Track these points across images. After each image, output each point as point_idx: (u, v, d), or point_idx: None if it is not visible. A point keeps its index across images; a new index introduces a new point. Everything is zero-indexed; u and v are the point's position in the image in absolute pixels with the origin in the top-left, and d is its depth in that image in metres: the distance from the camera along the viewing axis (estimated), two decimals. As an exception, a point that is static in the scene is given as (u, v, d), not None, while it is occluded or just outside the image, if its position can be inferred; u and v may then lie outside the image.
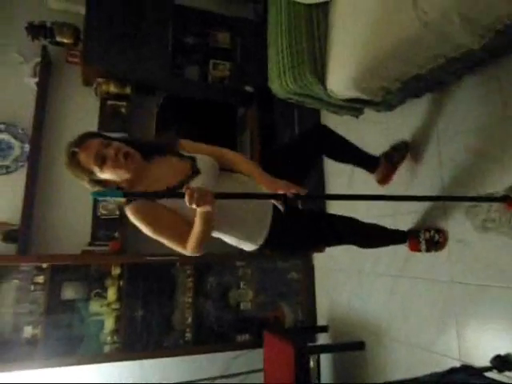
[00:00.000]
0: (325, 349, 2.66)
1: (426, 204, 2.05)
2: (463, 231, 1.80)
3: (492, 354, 1.59)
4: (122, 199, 1.27)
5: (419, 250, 1.99)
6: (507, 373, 1.52)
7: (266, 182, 1.40)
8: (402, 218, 2.18)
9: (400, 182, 2.17)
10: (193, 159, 1.42)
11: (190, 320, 2.93)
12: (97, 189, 1.31)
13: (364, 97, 1.95)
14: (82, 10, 2.91)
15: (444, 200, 1.93)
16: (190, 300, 2.97)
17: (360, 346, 2.49)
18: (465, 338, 1.78)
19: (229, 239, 1.56)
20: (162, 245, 3.10)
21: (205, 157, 1.45)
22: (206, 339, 2.91)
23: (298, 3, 2.05)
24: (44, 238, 2.80)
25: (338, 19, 1.90)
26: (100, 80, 2.89)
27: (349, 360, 2.58)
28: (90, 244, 2.79)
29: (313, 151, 1.84)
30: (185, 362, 2.90)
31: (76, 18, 2.98)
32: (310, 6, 2.04)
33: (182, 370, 2.90)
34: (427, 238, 1.93)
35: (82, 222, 2.86)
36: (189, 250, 1.33)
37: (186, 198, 1.07)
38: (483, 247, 1.70)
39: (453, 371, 1.44)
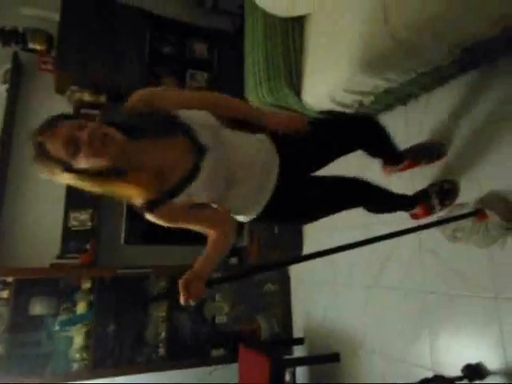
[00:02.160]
0: (300, 361, 2.64)
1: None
2: (435, 241, 1.83)
3: (463, 363, 1.61)
4: None
5: (432, 211, 1.80)
6: (478, 381, 1.54)
7: (269, 118, 1.27)
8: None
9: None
10: (189, 131, 1.12)
11: (163, 334, 2.86)
12: (76, 180, 1.03)
13: (338, 109, 1.99)
14: (56, 17, 2.85)
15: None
16: (163, 314, 2.89)
17: (335, 357, 2.48)
18: (437, 347, 1.80)
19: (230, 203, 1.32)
20: (135, 257, 3.03)
21: (200, 119, 1.16)
22: (180, 354, 2.84)
23: (274, 16, 2.08)
24: (10, 250, 2.68)
25: (313, 34, 1.95)
26: (74, 88, 2.83)
27: (324, 372, 2.57)
28: (60, 257, 2.68)
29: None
30: (158, 378, 2.81)
31: (49, 25, 2.92)
32: (285, 19, 2.07)
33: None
34: (436, 190, 1.78)
35: (52, 233, 2.75)
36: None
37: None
38: (454, 257, 1.74)
39: (425, 382, 1.45)
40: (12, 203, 2.77)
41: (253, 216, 1.34)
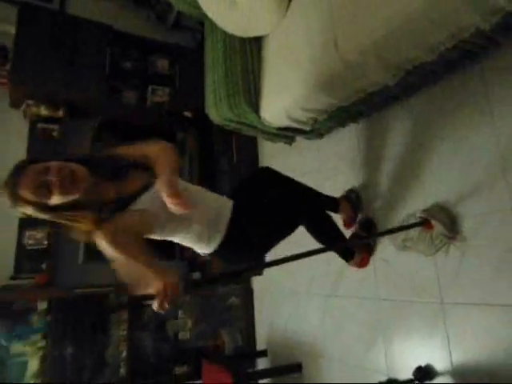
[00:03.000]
0: (263, 374, 2.65)
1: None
2: (387, 251, 1.94)
3: (415, 366, 1.70)
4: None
5: (371, 250, 1.99)
6: (427, 382, 1.63)
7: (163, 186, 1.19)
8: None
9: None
10: (144, 164, 1.28)
11: (124, 354, 2.78)
12: (51, 216, 1.14)
13: (295, 125, 2.08)
14: (12, 30, 2.79)
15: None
16: (124, 333, 2.82)
17: (297, 367, 2.52)
18: (391, 352, 1.88)
19: (182, 239, 1.43)
20: (94, 276, 2.95)
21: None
22: (142, 373, 2.77)
23: (233, 36, 2.16)
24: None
25: (270, 54, 2.04)
26: (29, 102, 2.75)
27: (287, 382, 2.60)
28: (13, 277, 2.56)
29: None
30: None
31: (5, 37, 2.85)
32: (244, 39, 2.15)
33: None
34: (361, 221, 1.99)
35: (4, 252, 2.63)
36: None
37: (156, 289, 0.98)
38: (404, 265, 1.84)
39: (379, 385, 1.52)
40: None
41: (211, 249, 1.45)
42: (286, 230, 1.66)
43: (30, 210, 1.12)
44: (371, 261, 2.01)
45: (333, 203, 2.04)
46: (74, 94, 2.83)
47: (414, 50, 1.44)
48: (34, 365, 2.50)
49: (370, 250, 2.00)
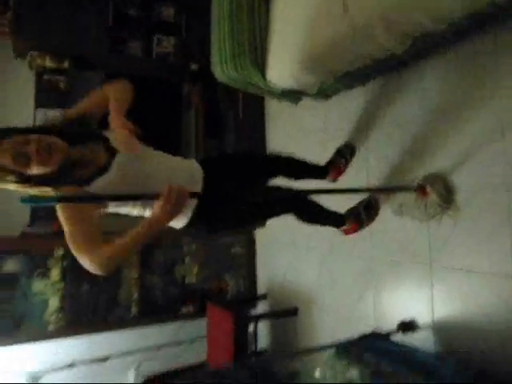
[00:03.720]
0: (262, 316, 2.89)
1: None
2: (383, 214, 2.04)
3: (400, 319, 1.87)
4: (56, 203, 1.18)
5: (361, 225, 2.08)
6: (410, 334, 1.81)
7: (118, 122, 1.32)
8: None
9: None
10: (105, 138, 1.33)
11: (135, 295, 3.02)
12: (27, 189, 1.19)
13: (301, 88, 2.08)
14: (11, -27, 2.69)
15: (366, 191, 2.09)
16: (136, 275, 3.04)
17: (293, 312, 2.75)
18: (379, 305, 2.06)
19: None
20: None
21: (114, 134, 1.35)
22: (151, 312, 3.03)
23: (240, -10, 2.08)
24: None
25: (278, 13, 1.98)
26: (34, 53, 2.73)
27: (284, 325, 2.85)
28: (30, 225, 2.72)
29: (264, 175, 1.84)
30: (132, 335, 3.00)
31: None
32: (251, -5, 2.08)
33: (131, 342, 3.00)
34: (366, 203, 2.05)
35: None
36: (101, 257, 1.18)
37: (162, 200, 1.11)
38: (399, 229, 1.95)
39: (364, 337, 1.70)
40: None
41: (184, 221, 1.48)
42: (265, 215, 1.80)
43: (7, 182, 1.15)
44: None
45: (322, 172, 2.15)
46: (77, 44, 2.79)
47: (424, 18, 1.42)
48: (54, 303, 2.75)
49: (360, 223, 2.09)
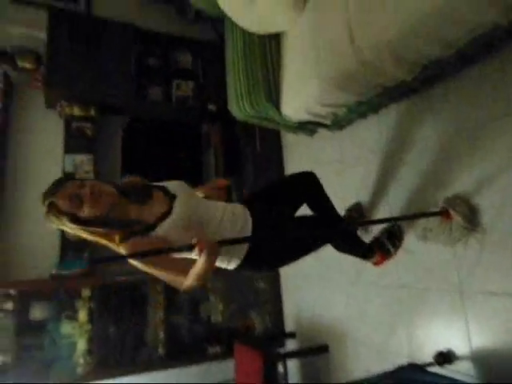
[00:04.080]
0: (291, 354, 2.79)
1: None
2: (408, 241, 1.99)
3: (435, 350, 1.78)
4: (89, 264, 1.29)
5: (389, 254, 2.05)
6: (447, 366, 1.71)
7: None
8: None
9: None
10: (163, 188, 1.47)
11: (162, 335, 3.00)
12: (79, 229, 1.30)
13: (315, 119, 2.13)
14: (42, 35, 2.94)
15: (390, 220, 2.04)
16: (161, 316, 3.03)
17: (324, 349, 2.64)
18: (412, 337, 1.96)
19: None
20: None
21: (172, 183, 1.52)
22: (178, 353, 2.98)
23: (252, 33, 2.21)
24: (11, 263, 2.79)
25: (288, 50, 2.08)
26: (63, 103, 2.92)
27: (315, 362, 2.73)
28: (59, 267, 2.79)
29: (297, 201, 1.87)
30: (159, 377, 2.95)
31: (36, 43, 3.00)
32: (262, 36, 2.20)
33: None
34: (388, 232, 2.03)
35: (50, 244, 2.86)
36: (184, 285, 1.34)
37: (197, 251, 1.20)
38: (425, 254, 1.89)
39: (400, 369, 1.61)
40: (10, 218, 2.87)
41: (237, 262, 1.54)
42: (311, 249, 1.75)
43: (61, 220, 1.27)
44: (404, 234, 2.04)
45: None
46: (103, 93, 2.97)
47: (430, 46, 1.46)
48: (81, 345, 2.75)
49: (387, 253, 2.06)
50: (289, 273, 3.22)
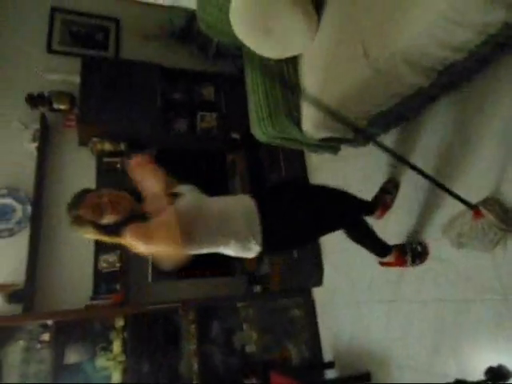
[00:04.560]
0: None
1: (408, 224, 2.16)
2: (443, 250, 1.91)
3: (485, 366, 1.64)
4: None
5: (405, 263, 2.06)
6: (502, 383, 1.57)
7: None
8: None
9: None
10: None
11: (195, 367, 2.93)
12: (103, 235, 1.44)
13: (337, 135, 2.14)
14: (77, 79, 3.17)
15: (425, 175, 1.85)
16: (194, 347, 2.97)
17: (366, 377, 2.50)
18: (459, 354, 1.83)
19: (229, 250, 1.60)
20: (163, 293, 3.15)
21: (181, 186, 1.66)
22: (213, 384, 2.90)
23: (269, 59, 2.29)
24: (48, 295, 2.87)
25: (305, 71, 2.14)
26: (95, 139, 3.09)
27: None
28: (93, 298, 2.85)
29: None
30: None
31: (71, 86, 3.24)
32: (280, 60, 2.28)
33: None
34: (412, 248, 2.04)
35: (84, 276, 2.94)
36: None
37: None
38: (461, 262, 1.80)
39: (447, 386, 1.50)
40: (47, 252, 2.99)
41: (257, 250, 1.59)
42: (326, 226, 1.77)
43: (86, 228, 1.41)
44: (427, 261, 2.01)
45: (368, 209, 2.16)
46: (132, 129, 3.13)
47: (441, 51, 1.46)
48: (116, 377, 2.73)
49: (404, 261, 2.07)
50: (323, 299, 3.12)
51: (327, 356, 3.05)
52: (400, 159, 1.59)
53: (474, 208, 1.59)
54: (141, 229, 1.36)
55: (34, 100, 3.07)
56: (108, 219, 1.41)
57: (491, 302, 1.65)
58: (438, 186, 1.57)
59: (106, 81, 3.18)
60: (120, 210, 1.42)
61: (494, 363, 1.63)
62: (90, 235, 1.44)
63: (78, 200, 1.41)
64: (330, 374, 2.96)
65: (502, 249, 1.59)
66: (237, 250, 1.59)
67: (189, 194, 1.59)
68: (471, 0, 1.21)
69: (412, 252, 2.04)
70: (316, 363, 3.09)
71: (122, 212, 1.42)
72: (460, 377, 1.78)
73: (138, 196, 1.51)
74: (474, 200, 1.70)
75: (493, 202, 1.60)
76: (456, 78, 1.69)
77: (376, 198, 2.23)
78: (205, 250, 1.56)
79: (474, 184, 1.75)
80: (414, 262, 2.04)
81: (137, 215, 1.44)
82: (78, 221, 1.40)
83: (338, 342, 2.92)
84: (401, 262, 2.07)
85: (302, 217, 1.63)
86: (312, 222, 1.67)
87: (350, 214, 1.86)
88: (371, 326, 2.51)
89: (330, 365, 2.96)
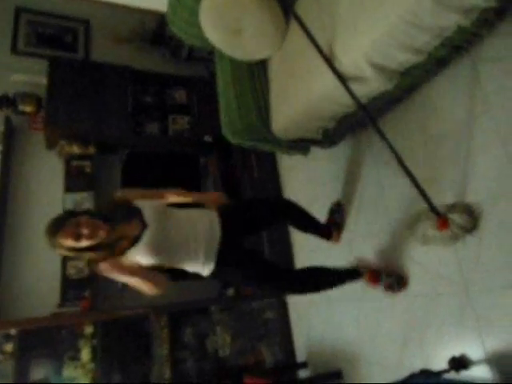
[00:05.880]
0: (304, 383, 2.67)
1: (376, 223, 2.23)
2: (411, 248, 1.97)
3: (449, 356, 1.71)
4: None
5: (376, 286, 2.10)
6: (463, 371, 1.64)
7: (198, 196, 1.99)
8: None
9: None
10: (139, 213, 1.67)
11: (168, 373, 2.88)
12: (78, 254, 1.55)
13: (307, 136, 2.19)
14: (43, 80, 3.09)
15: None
16: (166, 352, 2.93)
17: (337, 375, 2.53)
18: (426, 347, 1.89)
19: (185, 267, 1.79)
20: (133, 299, 3.09)
21: (150, 205, 1.73)
22: (186, 391, 2.85)
23: (240, 61, 2.32)
24: (11, 302, 2.75)
25: (274, 73, 2.19)
26: (63, 142, 3.01)
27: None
28: (60, 305, 2.76)
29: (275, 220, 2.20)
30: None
31: (38, 88, 3.15)
32: (250, 63, 2.31)
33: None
34: (388, 283, 2.04)
35: (50, 283, 2.84)
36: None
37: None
38: (427, 259, 1.87)
39: (412, 377, 1.55)
40: (10, 258, 2.87)
41: (210, 268, 1.78)
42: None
43: (62, 251, 1.53)
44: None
45: (325, 233, 2.40)
46: (101, 131, 3.08)
47: (403, 53, 1.54)
48: (84, 389, 2.65)
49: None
50: (295, 300, 3.15)
51: (300, 356, 3.07)
52: (392, 149, 1.64)
53: (441, 217, 1.65)
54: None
55: (-3, 101, 2.96)
56: (85, 244, 1.52)
57: (455, 294, 1.72)
58: (416, 186, 1.63)
59: (74, 83, 3.12)
60: (96, 237, 1.53)
61: (457, 353, 1.70)
62: (67, 254, 1.56)
63: (57, 227, 1.50)
64: (304, 373, 2.98)
65: (462, 244, 1.67)
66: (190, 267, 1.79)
67: (154, 226, 1.66)
68: (426, 4, 1.28)
69: (387, 285, 2.05)
70: (289, 364, 3.11)
71: (98, 239, 1.53)
72: (426, 366, 1.85)
73: (112, 219, 1.61)
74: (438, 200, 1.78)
75: (460, 209, 1.66)
76: (419, 80, 1.77)
77: (327, 220, 2.44)
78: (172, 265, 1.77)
79: (439, 188, 1.82)
80: (385, 290, 2.06)
81: (109, 243, 1.57)
82: (57, 245, 1.51)
83: (311, 342, 2.95)
84: (374, 281, 2.10)
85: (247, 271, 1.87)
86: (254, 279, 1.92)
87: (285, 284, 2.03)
88: (342, 324, 2.55)
89: (303, 365, 2.98)
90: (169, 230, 1.69)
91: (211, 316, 3.15)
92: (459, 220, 1.62)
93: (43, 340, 2.66)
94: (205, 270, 1.78)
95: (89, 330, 2.73)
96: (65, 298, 2.82)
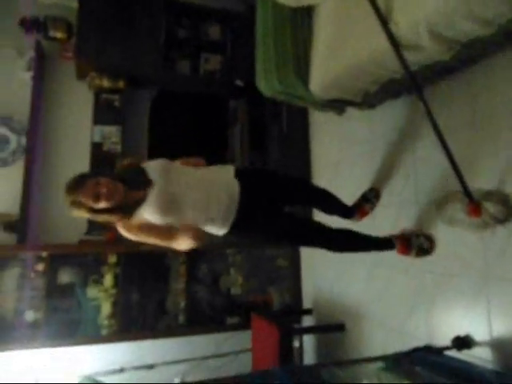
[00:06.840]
0: (307, 330, 2.84)
1: (405, 205, 2.20)
2: (434, 226, 1.96)
3: (454, 335, 1.77)
4: None
5: (408, 254, 2.04)
6: (465, 351, 1.71)
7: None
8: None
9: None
10: (144, 172, 1.68)
11: (182, 304, 3.10)
12: (96, 215, 1.57)
13: (345, 97, 2.08)
14: (74, 4, 2.96)
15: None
16: (182, 286, 3.12)
17: (340, 327, 2.68)
18: (432, 319, 1.96)
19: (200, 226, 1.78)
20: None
21: (153, 164, 1.73)
22: (197, 322, 3.09)
23: (283, 6, 2.15)
24: (42, 227, 2.92)
25: (321, 25, 2.02)
26: (93, 74, 2.96)
27: (330, 340, 2.78)
28: (87, 233, 2.91)
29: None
30: (179, 344, 3.07)
31: (68, 12, 3.03)
32: (295, 9, 2.14)
33: (177, 350, 3.07)
34: (418, 246, 2.01)
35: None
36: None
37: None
38: (450, 240, 1.86)
39: (416, 350, 1.63)
40: (43, 186, 2.98)
41: (226, 228, 1.76)
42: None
43: (81, 210, 1.55)
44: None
45: (348, 213, 2.32)
46: (132, 65, 2.99)
47: (470, 23, 1.39)
48: (106, 308, 2.89)
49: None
50: (309, 252, 3.24)
51: (307, 305, 3.24)
52: (433, 122, 1.55)
53: (474, 203, 1.59)
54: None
55: (27, 25, 2.86)
56: (103, 205, 1.54)
57: (473, 278, 1.74)
58: (452, 164, 1.56)
59: (106, 10, 2.97)
60: (114, 199, 1.55)
61: (462, 333, 1.76)
62: (83, 215, 1.57)
63: (77, 186, 1.52)
64: (307, 320, 3.16)
65: (491, 232, 1.64)
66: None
67: (161, 182, 1.66)
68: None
69: (417, 247, 2.01)
70: (295, 310, 3.29)
71: (115, 201, 1.56)
72: (428, 341, 1.94)
73: (130, 183, 1.62)
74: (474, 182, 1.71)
75: (496, 198, 1.59)
76: (480, 52, 1.61)
77: (356, 205, 2.35)
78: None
79: (474, 168, 1.75)
80: (417, 256, 2.02)
81: (127, 205, 1.60)
82: (76, 204, 1.53)
83: (318, 293, 3.08)
84: (405, 251, 2.05)
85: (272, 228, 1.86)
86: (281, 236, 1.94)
87: (316, 243, 2.05)
88: (352, 283, 2.64)
89: (308, 311, 3.16)
90: (177, 187, 1.68)
91: (226, 257, 3.30)
92: (492, 209, 1.58)
93: (71, 262, 2.86)
94: (220, 231, 1.78)
95: (112, 259, 2.91)
96: (91, 227, 2.96)
